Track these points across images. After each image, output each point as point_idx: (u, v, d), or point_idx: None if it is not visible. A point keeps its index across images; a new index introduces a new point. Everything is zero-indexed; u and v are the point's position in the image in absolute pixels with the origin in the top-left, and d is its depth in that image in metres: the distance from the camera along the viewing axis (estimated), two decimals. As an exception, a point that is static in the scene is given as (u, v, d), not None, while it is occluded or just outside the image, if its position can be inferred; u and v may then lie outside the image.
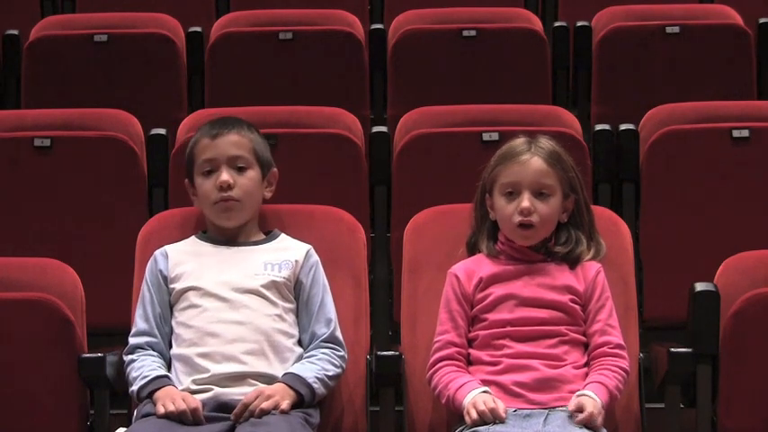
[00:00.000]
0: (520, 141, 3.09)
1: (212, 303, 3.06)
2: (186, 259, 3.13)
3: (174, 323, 3.08)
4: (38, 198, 4.03)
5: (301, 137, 4.07)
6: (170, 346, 3.08)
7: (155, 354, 3.06)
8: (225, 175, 3.11)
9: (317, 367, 3.02)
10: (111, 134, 4.10)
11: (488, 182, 3.10)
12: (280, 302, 3.09)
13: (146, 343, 3.07)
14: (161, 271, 3.12)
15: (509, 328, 3.01)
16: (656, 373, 3.18)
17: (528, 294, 3.03)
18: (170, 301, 3.10)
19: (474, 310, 3.05)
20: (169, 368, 3.06)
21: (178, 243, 3.19)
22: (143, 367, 3.02)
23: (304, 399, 2.97)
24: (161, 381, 2.99)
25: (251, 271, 3.10)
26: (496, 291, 3.04)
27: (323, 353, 3.06)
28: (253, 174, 3.15)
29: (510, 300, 3.03)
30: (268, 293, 3.08)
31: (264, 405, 2.90)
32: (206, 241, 3.18)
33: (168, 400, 2.92)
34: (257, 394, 2.92)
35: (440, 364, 3.02)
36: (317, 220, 3.31)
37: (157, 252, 3.16)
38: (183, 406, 2.89)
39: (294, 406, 2.94)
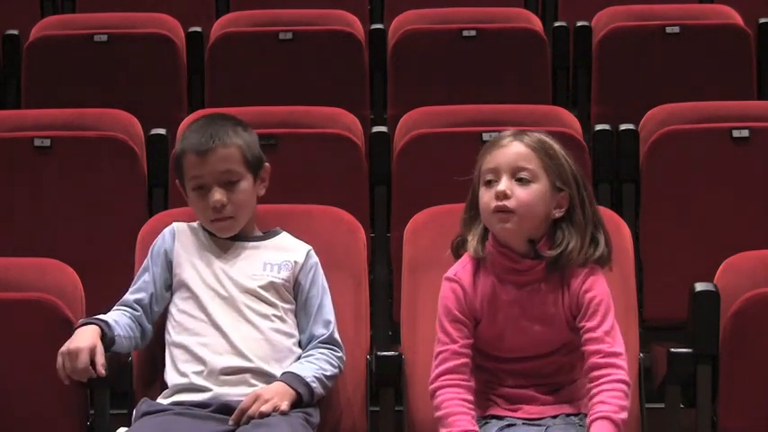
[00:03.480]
0: (508, 132, 2.94)
1: (213, 299, 3.06)
2: (191, 246, 3.12)
3: (174, 310, 3.08)
4: (38, 198, 4.03)
5: (301, 137, 4.07)
6: (154, 329, 3.09)
7: (128, 312, 3.06)
8: (217, 195, 3.06)
9: (315, 367, 3.01)
10: (111, 134, 4.10)
11: (476, 179, 2.95)
12: (279, 303, 3.09)
13: (125, 303, 3.08)
14: (167, 252, 3.12)
15: (503, 365, 2.93)
16: (656, 373, 3.17)
17: (521, 327, 2.89)
18: (172, 283, 3.10)
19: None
20: (163, 353, 3.07)
21: (186, 224, 3.17)
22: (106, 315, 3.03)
23: (303, 398, 2.96)
24: (89, 322, 2.96)
25: (250, 271, 3.09)
26: (487, 320, 2.91)
27: (321, 353, 3.05)
28: (245, 184, 3.10)
29: (504, 332, 2.91)
30: (266, 294, 3.07)
31: (264, 408, 2.88)
32: (210, 232, 3.15)
33: (63, 354, 2.88)
34: (255, 398, 2.91)
35: (446, 378, 2.89)
36: (317, 220, 3.31)
37: (167, 230, 3.15)
38: (64, 363, 2.86)
39: (293, 405, 2.94)
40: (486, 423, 2.90)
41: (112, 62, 4.85)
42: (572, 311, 2.89)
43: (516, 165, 2.86)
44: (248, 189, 3.11)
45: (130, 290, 3.12)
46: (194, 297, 3.07)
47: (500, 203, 2.84)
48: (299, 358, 3.06)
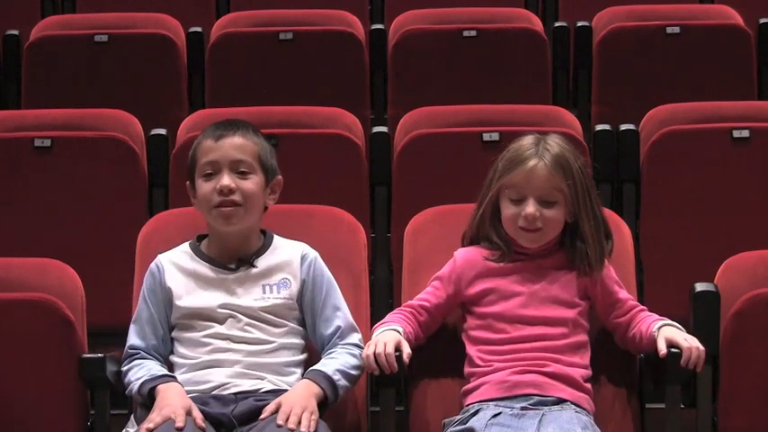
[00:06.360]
0: (528, 143, 3.04)
1: (215, 325, 3.01)
2: (185, 274, 3.06)
3: (177, 337, 3.04)
4: (38, 198, 4.03)
5: (301, 137, 4.07)
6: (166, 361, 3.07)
7: (152, 358, 3.03)
8: (226, 179, 3.01)
9: (337, 361, 2.99)
10: (111, 134, 4.10)
11: (495, 182, 3.05)
12: (284, 321, 3.05)
13: (144, 349, 3.04)
14: (161, 286, 3.05)
15: (513, 346, 2.98)
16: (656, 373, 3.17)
17: (531, 314, 2.99)
18: (172, 313, 3.05)
19: (475, 312, 3.04)
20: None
21: (174, 253, 3.10)
22: (144, 367, 2.98)
23: (327, 394, 2.94)
24: (164, 379, 2.94)
25: (250, 297, 3.04)
26: (496, 307, 3.01)
27: (341, 347, 3.03)
28: (256, 179, 3.05)
29: (512, 316, 3.00)
30: (270, 316, 3.03)
31: (291, 425, 2.84)
32: (203, 260, 3.08)
33: (155, 410, 2.85)
34: (290, 408, 2.88)
35: (397, 309, 3.06)
36: (317, 220, 3.31)
37: (153, 265, 3.08)
38: (167, 413, 2.82)
39: (319, 405, 2.91)
40: (479, 410, 2.92)
41: (112, 62, 4.85)
42: (586, 288, 3.04)
43: (543, 189, 3.01)
44: (258, 185, 3.05)
45: (142, 342, 3.04)
46: (193, 328, 3.02)
47: (529, 226, 3.00)
48: (307, 365, 3.03)
